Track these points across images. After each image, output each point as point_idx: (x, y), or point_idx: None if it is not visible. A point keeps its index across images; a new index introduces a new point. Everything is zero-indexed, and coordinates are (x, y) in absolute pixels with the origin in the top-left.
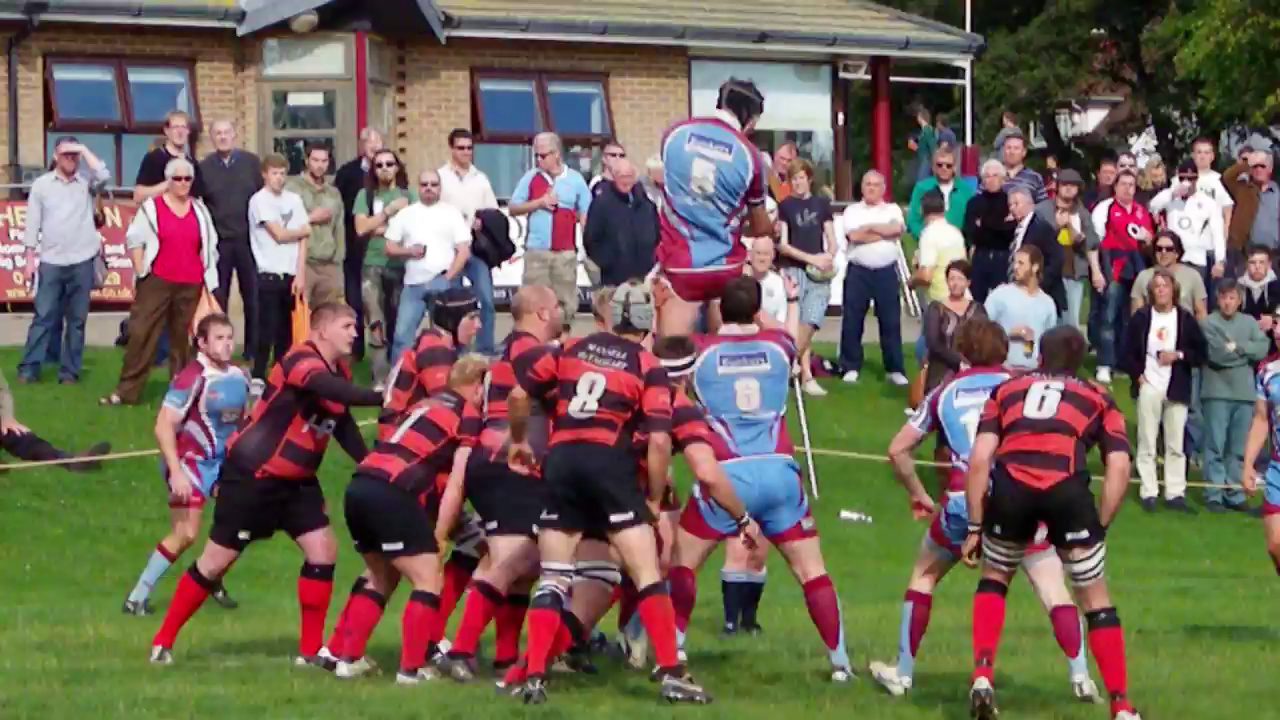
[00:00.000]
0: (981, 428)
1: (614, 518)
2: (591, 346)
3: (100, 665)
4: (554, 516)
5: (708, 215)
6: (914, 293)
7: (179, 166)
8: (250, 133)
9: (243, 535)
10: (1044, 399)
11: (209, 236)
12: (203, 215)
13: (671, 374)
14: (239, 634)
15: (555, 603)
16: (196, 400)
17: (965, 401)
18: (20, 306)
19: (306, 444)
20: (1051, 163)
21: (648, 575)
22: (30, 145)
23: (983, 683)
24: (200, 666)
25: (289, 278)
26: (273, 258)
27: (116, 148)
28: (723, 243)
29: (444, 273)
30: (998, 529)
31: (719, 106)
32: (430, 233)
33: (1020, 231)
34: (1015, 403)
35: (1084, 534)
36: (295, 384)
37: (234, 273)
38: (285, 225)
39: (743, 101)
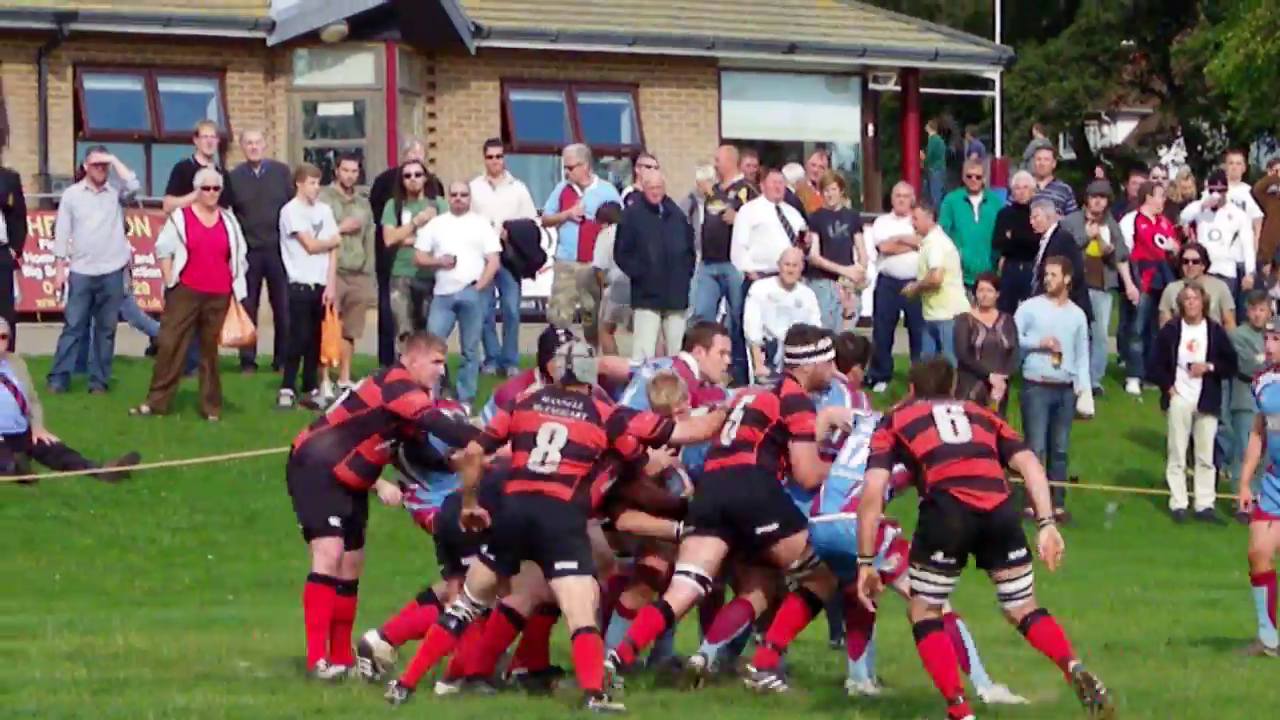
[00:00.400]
0: (873, 461)
1: (559, 565)
2: (545, 399)
3: (129, 675)
4: (492, 558)
5: None
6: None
7: (207, 176)
8: (280, 143)
9: (334, 522)
10: (954, 423)
11: (238, 246)
12: (231, 225)
13: (792, 361)
14: (268, 645)
15: (458, 628)
16: None
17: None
18: (50, 316)
19: (373, 459)
20: (1099, 174)
21: (581, 620)
22: (60, 155)
23: None
24: (229, 676)
25: (319, 288)
26: (303, 268)
27: (146, 157)
28: None
29: (474, 283)
30: (940, 555)
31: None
32: (460, 243)
33: (1044, 244)
34: (924, 430)
35: (1023, 552)
36: (401, 414)
37: (264, 283)
38: (316, 235)
39: None
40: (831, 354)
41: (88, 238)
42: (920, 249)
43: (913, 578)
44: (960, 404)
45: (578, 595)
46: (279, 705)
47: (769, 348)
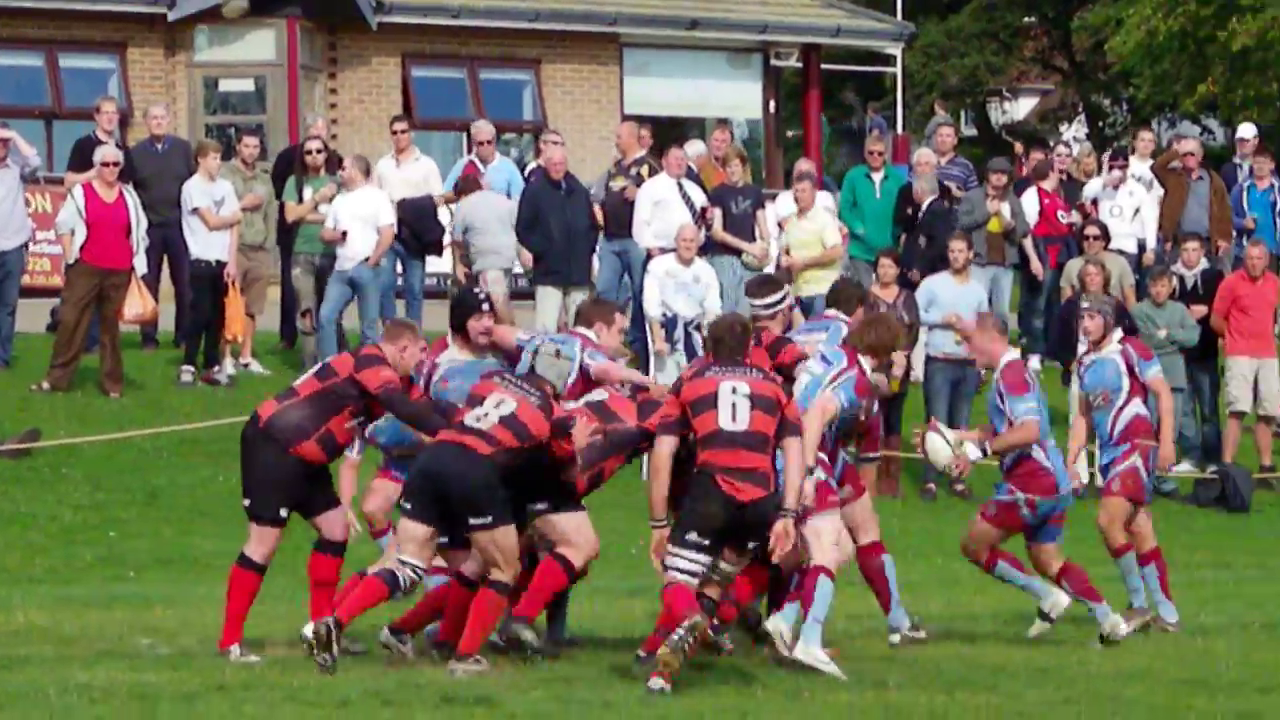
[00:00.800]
0: (662, 428)
1: (472, 521)
2: (508, 378)
3: (30, 652)
4: (409, 506)
5: None
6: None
7: (107, 153)
8: (181, 119)
9: (283, 513)
10: (735, 407)
11: (138, 222)
12: (132, 201)
13: (763, 311)
14: (170, 622)
15: (393, 583)
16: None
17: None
18: None
19: (341, 437)
20: (1018, 148)
21: (500, 573)
22: None
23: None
24: (131, 654)
25: (221, 264)
26: (205, 244)
27: (47, 133)
28: None
29: (367, 259)
30: (694, 536)
31: None
32: (352, 218)
33: (920, 217)
34: (705, 411)
35: (755, 545)
36: (367, 385)
37: (166, 259)
38: (217, 212)
39: None
40: (790, 300)
41: None
42: (812, 224)
43: (668, 553)
44: (749, 380)
45: (493, 548)
46: (181, 682)
47: (668, 324)
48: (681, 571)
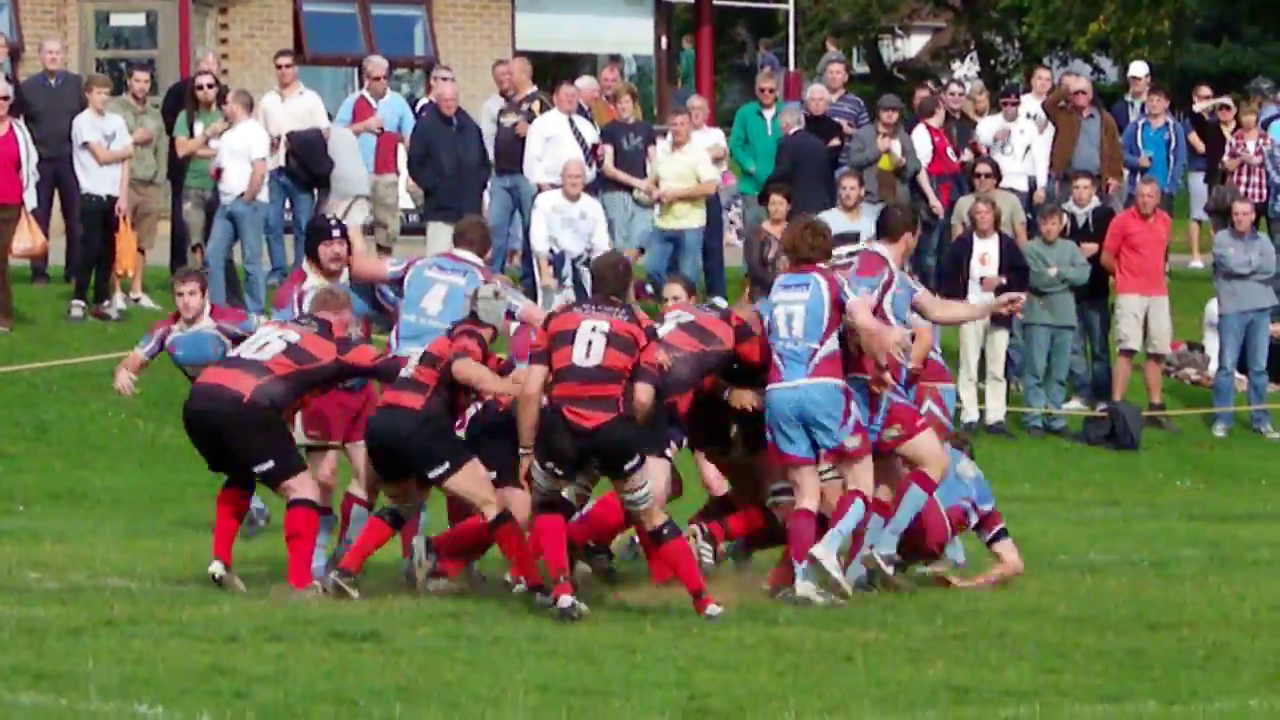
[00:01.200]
0: (532, 358)
1: (431, 474)
2: (461, 325)
3: None
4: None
5: None
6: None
7: None
8: (72, 53)
9: (302, 452)
10: (591, 344)
11: (28, 156)
12: (21, 135)
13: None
14: (59, 557)
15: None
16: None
17: (778, 297)
18: None
19: (319, 403)
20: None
21: (489, 509)
22: None
23: (566, 599)
24: (20, 588)
25: (112, 199)
26: (95, 179)
27: None
28: None
29: (243, 194)
30: (551, 464)
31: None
32: (231, 154)
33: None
34: (562, 346)
35: (635, 461)
36: (360, 365)
37: (56, 193)
38: (108, 146)
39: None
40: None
41: None
42: (688, 158)
43: (532, 468)
44: (612, 320)
45: (465, 489)
46: (70, 616)
47: (555, 260)
48: (542, 489)
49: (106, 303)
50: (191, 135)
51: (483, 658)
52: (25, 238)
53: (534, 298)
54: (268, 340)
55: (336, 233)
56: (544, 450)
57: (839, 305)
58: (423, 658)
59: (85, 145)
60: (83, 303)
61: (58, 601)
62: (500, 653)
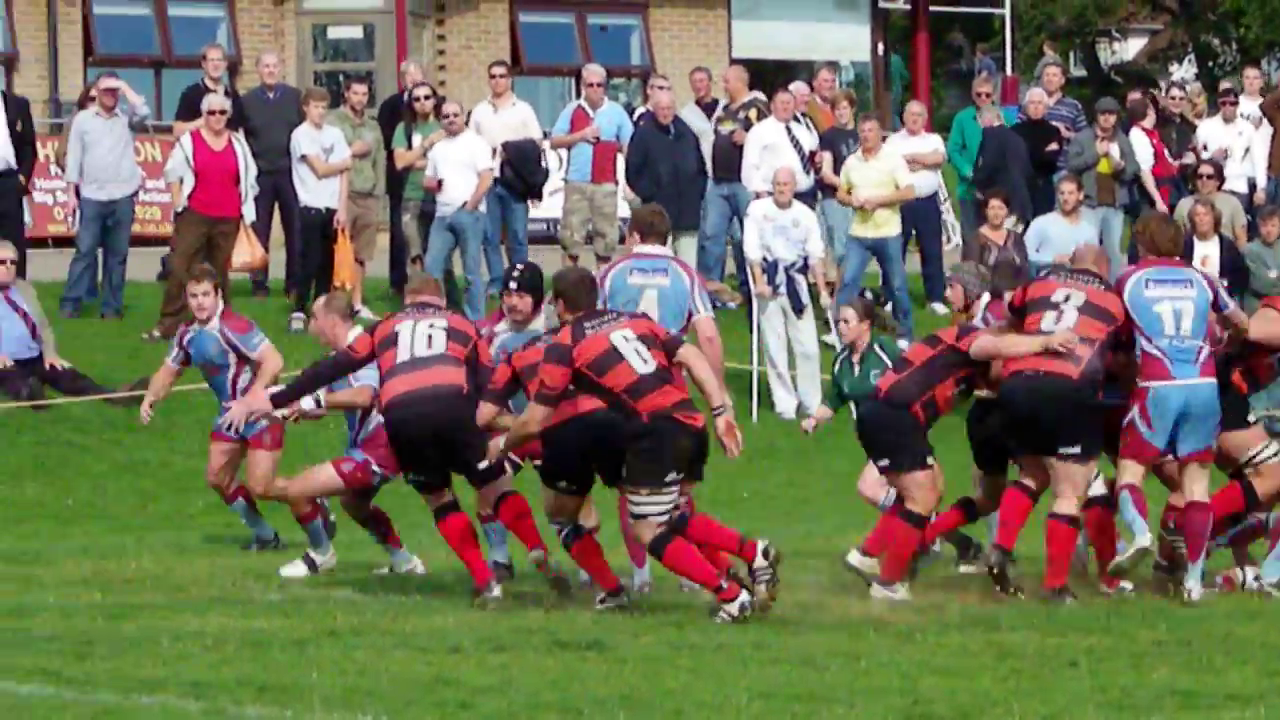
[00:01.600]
0: (539, 398)
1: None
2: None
3: (144, 600)
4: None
5: None
6: (951, 222)
7: (214, 100)
8: (290, 66)
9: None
10: (639, 353)
11: (247, 170)
12: (240, 149)
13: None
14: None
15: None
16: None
17: (1156, 292)
18: (62, 242)
19: None
20: (1136, 95)
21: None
22: (70, 80)
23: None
24: (244, 600)
25: (330, 211)
26: (314, 192)
27: (156, 82)
28: None
29: (465, 204)
30: (673, 475)
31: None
32: (453, 165)
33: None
34: (616, 364)
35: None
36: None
37: (275, 206)
38: (326, 159)
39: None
40: None
41: (98, 163)
42: (884, 164)
43: (641, 501)
44: (630, 323)
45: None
46: (294, 628)
47: (769, 267)
48: (657, 516)
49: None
50: (410, 147)
51: (706, 665)
52: (245, 251)
53: (749, 304)
54: (426, 334)
55: (514, 284)
56: (667, 461)
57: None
58: (646, 666)
59: (304, 158)
60: (303, 315)
61: (281, 613)
62: (723, 660)
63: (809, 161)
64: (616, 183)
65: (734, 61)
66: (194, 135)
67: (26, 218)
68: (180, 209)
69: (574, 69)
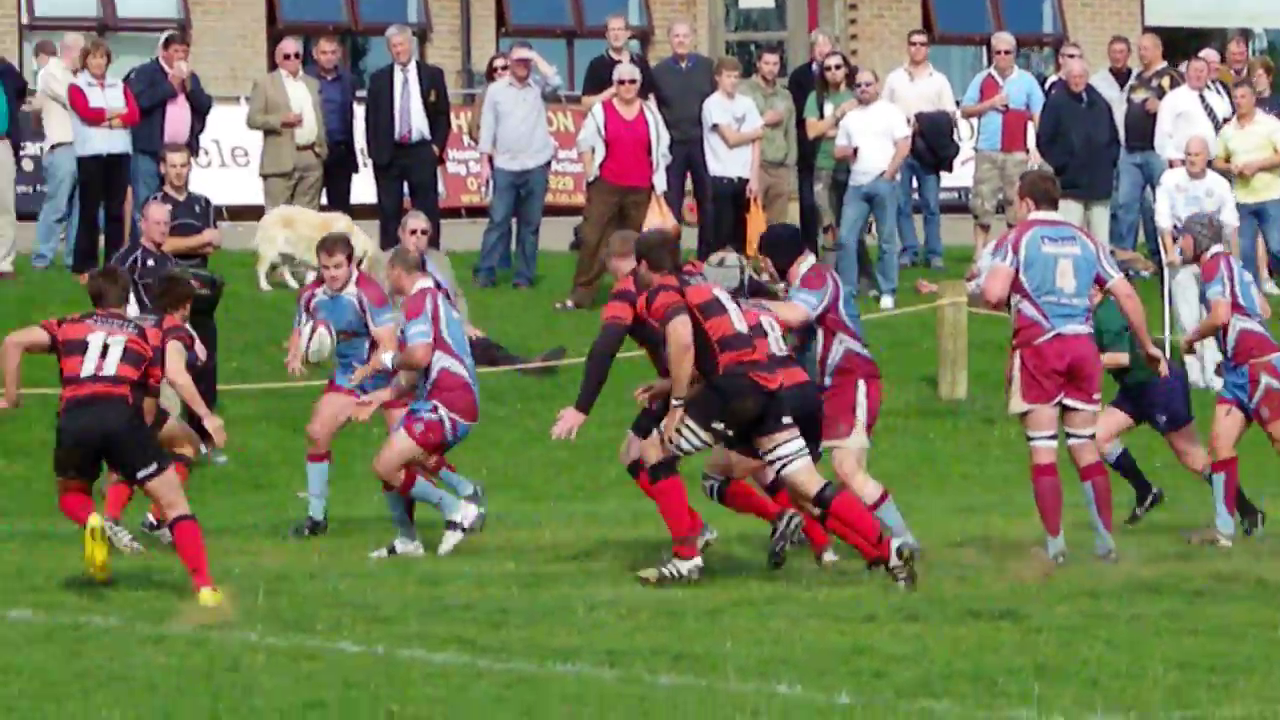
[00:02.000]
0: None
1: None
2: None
3: (558, 569)
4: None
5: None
6: None
7: (624, 70)
8: (701, 35)
9: None
10: (740, 309)
11: (659, 139)
12: (652, 118)
13: None
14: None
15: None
16: None
17: None
18: (475, 212)
19: None
20: None
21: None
22: (482, 51)
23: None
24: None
25: (742, 181)
26: (726, 161)
27: (568, 52)
28: None
29: (883, 173)
30: (721, 426)
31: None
32: (868, 133)
33: None
34: (717, 314)
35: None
36: None
37: (687, 176)
38: (738, 128)
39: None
40: None
41: (511, 133)
42: (1262, 128)
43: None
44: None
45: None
46: (707, 597)
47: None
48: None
49: None
50: (821, 116)
51: (1121, 636)
52: (656, 220)
53: (1161, 274)
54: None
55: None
56: (723, 412)
57: None
58: (1060, 635)
59: (715, 128)
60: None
61: (694, 583)
62: (1138, 630)
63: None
64: (1027, 151)
65: (1147, 29)
66: (606, 105)
67: (440, 188)
68: (592, 179)
69: (985, 37)
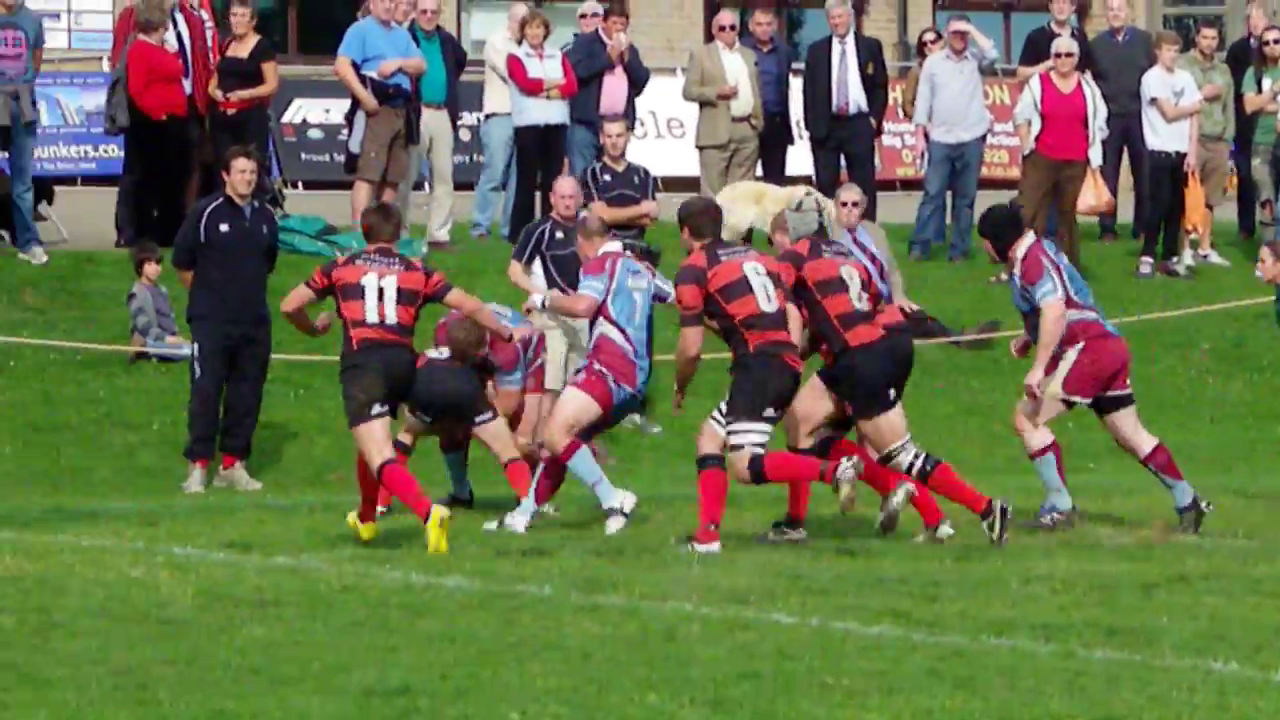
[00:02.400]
0: (685, 321)
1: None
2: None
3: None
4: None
5: None
6: None
7: (1062, 43)
8: (1139, 9)
9: None
10: (766, 289)
11: (1096, 113)
12: (1090, 91)
13: None
14: (1132, 511)
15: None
16: None
17: None
18: (909, 184)
19: None
20: None
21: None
22: (919, 23)
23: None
24: (1091, 544)
25: (1180, 155)
26: (1163, 135)
27: (1005, 25)
28: None
29: None
30: (771, 411)
31: None
32: None
33: None
34: (742, 295)
35: None
36: None
37: (1124, 150)
38: (1176, 103)
39: None
40: None
41: (947, 106)
42: None
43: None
44: (760, 258)
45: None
46: (1142, 573)
47: None
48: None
49: (1175, 259)
50: (1259, 91)
51: None
52: (1091, 194)
53: None
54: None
55: None
56: (769, 394)
57: None
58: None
59: (1153, 101)
60: (1150, 259)
61: (1129, 558)
62: None
63: None
64: None
65: None
66: (1043, 78)
67: (877, 161)
68: (1027, 152)
69: None
